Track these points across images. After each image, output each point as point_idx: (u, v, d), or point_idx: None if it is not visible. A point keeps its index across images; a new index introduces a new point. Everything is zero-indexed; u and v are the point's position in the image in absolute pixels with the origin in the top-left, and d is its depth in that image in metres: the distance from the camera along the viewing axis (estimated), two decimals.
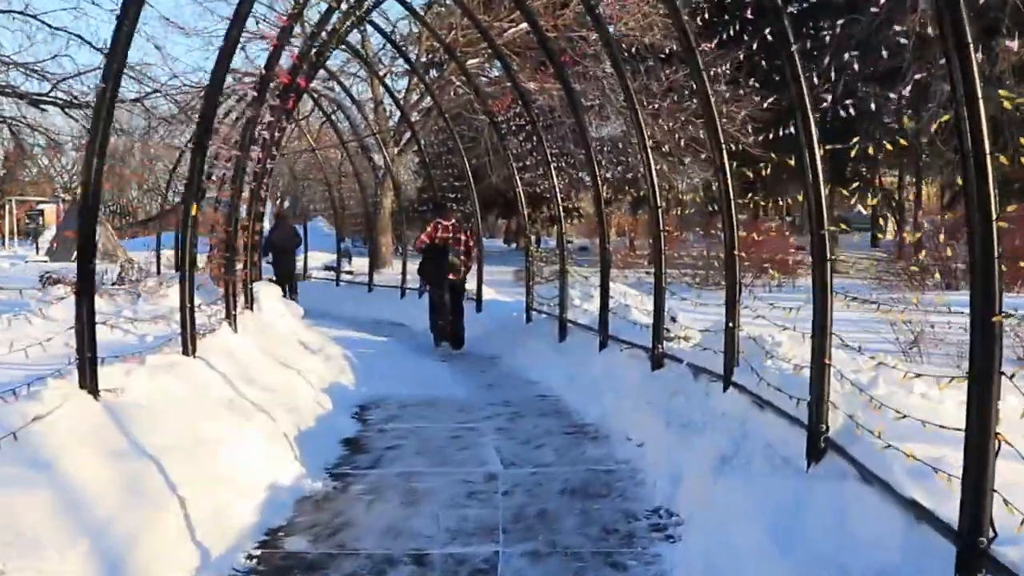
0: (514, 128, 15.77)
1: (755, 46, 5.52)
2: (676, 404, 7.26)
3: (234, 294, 9.91)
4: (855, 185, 6.67)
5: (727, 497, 5.02)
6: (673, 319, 8.67)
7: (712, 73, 14.97)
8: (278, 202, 21.15)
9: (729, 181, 6.70)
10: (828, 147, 5.04)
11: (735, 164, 6.85)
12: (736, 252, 6.73)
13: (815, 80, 5.29)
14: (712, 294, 13.00)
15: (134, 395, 5.73)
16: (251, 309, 10.86)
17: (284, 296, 13.46)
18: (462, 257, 13.57)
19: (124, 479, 4.65)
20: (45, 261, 30.07)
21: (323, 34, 13.11)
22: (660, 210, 8.51)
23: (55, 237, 35.15)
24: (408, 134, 29.40)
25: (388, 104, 29.91)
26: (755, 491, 4.88)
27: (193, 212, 7.79)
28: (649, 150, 8.51)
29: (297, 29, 14.33)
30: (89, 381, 5.45)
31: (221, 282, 9.94)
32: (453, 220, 13.84)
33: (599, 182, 10.43)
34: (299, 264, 23.23)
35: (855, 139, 4.69)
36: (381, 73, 29.97)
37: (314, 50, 13.27)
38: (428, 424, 8.49)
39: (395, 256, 34.64)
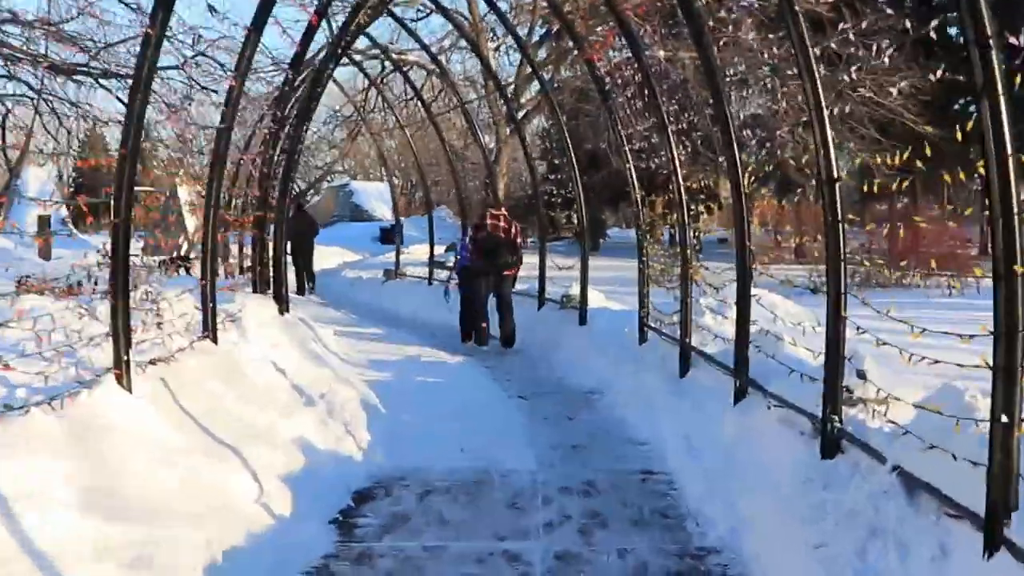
0: (627, 92, 12.44)
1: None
2: (878, 558, 3.75)
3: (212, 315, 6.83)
4: None
5: None
6: (861, 375, 5.10)
7: (875, 45, 11.48)
8: (292, 191, 19.10)
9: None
10: None
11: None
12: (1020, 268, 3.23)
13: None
14: (880, 297, 9.10)
15: None
16: (228, 330, 7.59)
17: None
18: (515, 250, 12.77)
19: None
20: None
21: None
22: (834, 184, 4.97)
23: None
24: (522, 112, 26.32)
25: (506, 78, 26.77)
26: None
27: None
28: (826, 119, 4.96)
29: None
30: None
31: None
32: (503, 210, 13.16)
33: (738, 160, 6.84)
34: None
35: None
36: (493, 46, 26.91)
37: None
38: (451, 542, 5.14)
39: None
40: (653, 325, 9.78)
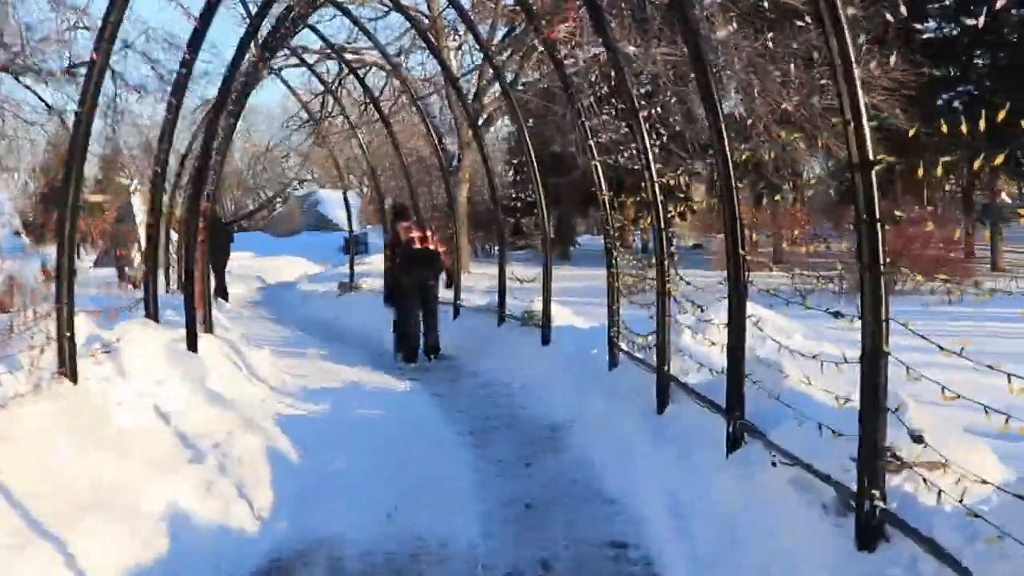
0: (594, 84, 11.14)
1: None
2: None
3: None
4: None
5: None
6: (917, 439, 3.71)
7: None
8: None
9: None
10: None
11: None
12: None
13: None
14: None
15: None
16: (102, 364, 6.06)
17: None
18: (437, 261, 12.50)
19: None
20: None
21: None
22: (870, 170, 3.61)
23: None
24: (484, 116, 24.97)
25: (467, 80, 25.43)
26: None
27: None
28: (856, 79, 3.60)
29: None
30: None
31: None
32: (414, 220, 13.02)
33: (728, 154, 5.44)
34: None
35: None
36: (455, 45, 25.58)
37: None
38: None
39: (476, 259, 30.15)
40: (625, 347, 8.41)
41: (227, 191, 78.47)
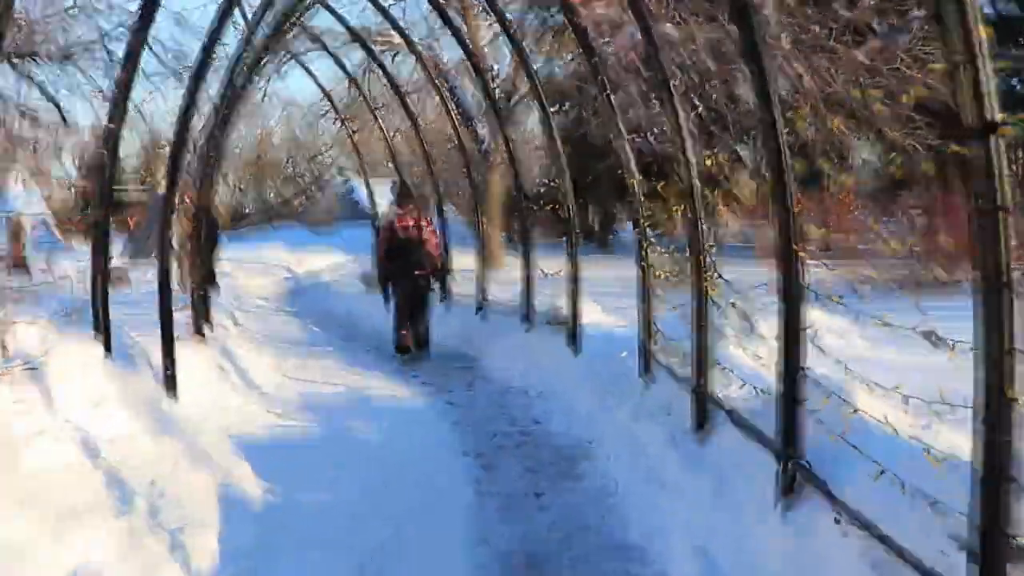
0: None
1: None
2: None
3: None
4: None
5: None
6: None
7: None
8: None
9: None
10: None
11: None
12: None
13: None
14: (937, 304, 6.13)
15: None
16: (20, 383, 5.00)
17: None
18: (427, 251, 11.81)
19: None
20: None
21: None
22: (992, 133, 2.51)
23: (131, 234, 30.68)
24: (515, 98, 23.84)
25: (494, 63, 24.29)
26: None
27: None
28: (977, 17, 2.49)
29: None
30: None
31: None
32: (412, 207, 12.07)
33: (780, 131, 4.31)
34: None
35: None
36: (487, 25, 24.45)
37: None
38: None
39: (515, 251, 28.87)
40: (658, 355, 7.31)
41: (267, 180, 78.23)
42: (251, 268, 26.29)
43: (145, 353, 7.40)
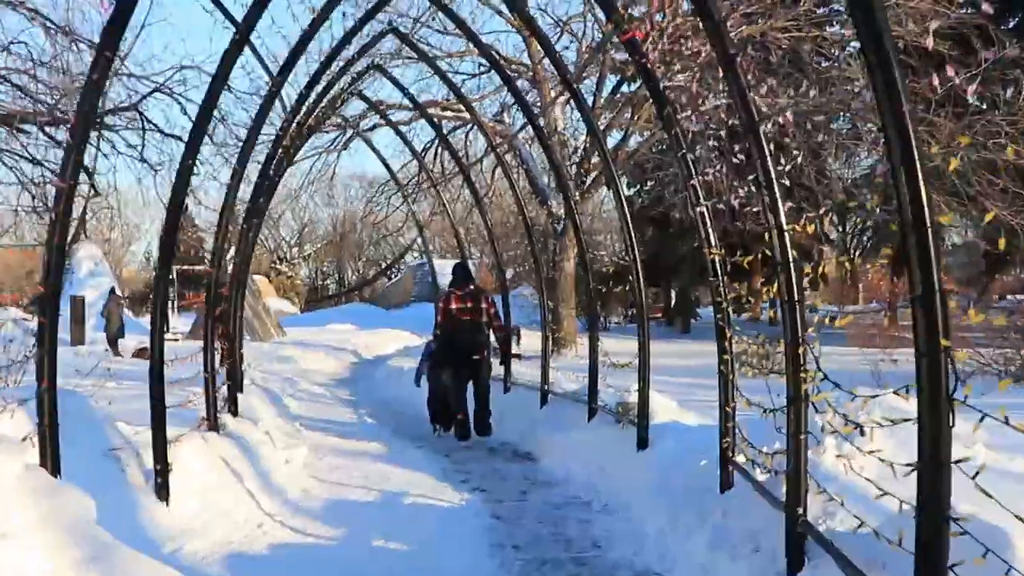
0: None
1: None
2: None
3: None
4: None
5: None
6: None
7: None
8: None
9: None
10: None
11: None
12: None
13: None
14: None
15: None
16: None
17: None
18: (488, 332, 11.50)
19: None
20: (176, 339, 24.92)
21: None
22: None
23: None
24: (593, 175, 22.81)
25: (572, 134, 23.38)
26: None
27: None
28: None
29: None
30: None
31: None
32: (471, 288, 11.53)
33: (922, 186, 3.08)
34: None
35: None
36: (562, 98, 23.62)
37: None
38: None
39: (584, 332, 27.66)
40: (743, 464, 6.01)
41: (348, 261, 78.42)
42: (317, 349, 25.50)
43: (137, 452, 6.35)
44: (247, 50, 7.78)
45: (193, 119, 8.76)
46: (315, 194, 58.01)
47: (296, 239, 75.85)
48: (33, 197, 15.53)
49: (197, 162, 6.45)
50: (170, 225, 6.30)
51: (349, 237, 74.58)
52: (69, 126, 7.42)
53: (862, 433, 4.50)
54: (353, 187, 65.58)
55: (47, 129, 12.64)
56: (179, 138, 14.60)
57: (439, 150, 25.08)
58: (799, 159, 13.41)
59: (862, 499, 4.58)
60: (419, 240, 50.60)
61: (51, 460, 4.90)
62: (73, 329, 23.49)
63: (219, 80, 6.34)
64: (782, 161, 11.41)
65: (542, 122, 20.76)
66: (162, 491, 6.14)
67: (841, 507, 4.48)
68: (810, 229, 5.00)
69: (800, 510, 4.64)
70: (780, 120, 15.18)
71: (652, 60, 7.10)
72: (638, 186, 33.99)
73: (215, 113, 12.53)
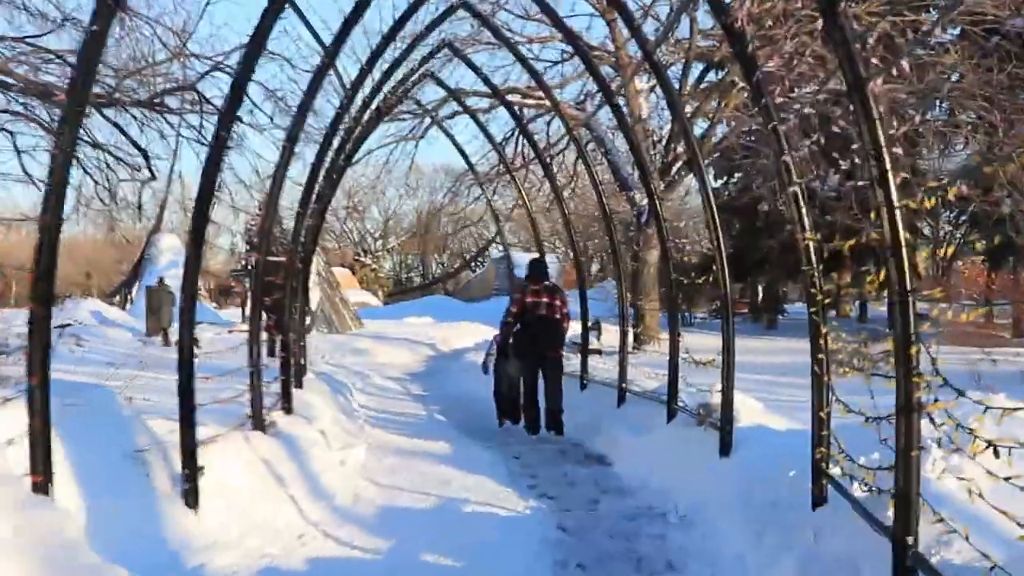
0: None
1: None
2: None
3: None
4: None
5: None
6: None
7: None
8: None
9: None
10: None
11: None
12: None
13: None
14: None
15: None
16: None
17: None
18: (563, 326, 11.30)
19: None
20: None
21: None
22: None
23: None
24: (677, 164, 21.96)
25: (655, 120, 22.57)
26: None
27: None
28: None
29: None
30: None
31: None
32: (546, 284, 11.35)
33: None
34: None
35: None
36: (647, 86, 22.83)
37: None
38: None
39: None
40: (839, 478, 5.24)
41: (432, 254, 78.36)
42: (392, 342, 25.06)
43: (166, 454, 5.83)
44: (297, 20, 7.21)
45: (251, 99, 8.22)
46: (393, 184, 57.99)
47: (381, 232, 76.02)
48: (96, 183, 15.27)
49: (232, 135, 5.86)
50: (202, 203, 5.72)
51: (433, 230, 74.40)
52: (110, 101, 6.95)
53: (996, 455, 3.70)
54: (439, 178, 65.23)
55: (104, 112, 12.29)
56: (239, 119, 14.27)
57: (519, 139, 24.47)
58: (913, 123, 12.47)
59: (982, 526, 3.85)
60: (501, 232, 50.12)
61: (43, 466, 4.36)
62: (149, 319, 23.34)
63: (256, 40, 5.75)
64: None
65: (624, 107, 20.02)
66: (190, 497, 5.60)
67: (964, 540, 3.71)
68: (928, 204, 4.18)
69: (911, 539, 3.89)
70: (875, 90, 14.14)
71: (741, 17, 6.32)
72: (724, 178, 33.04)
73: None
